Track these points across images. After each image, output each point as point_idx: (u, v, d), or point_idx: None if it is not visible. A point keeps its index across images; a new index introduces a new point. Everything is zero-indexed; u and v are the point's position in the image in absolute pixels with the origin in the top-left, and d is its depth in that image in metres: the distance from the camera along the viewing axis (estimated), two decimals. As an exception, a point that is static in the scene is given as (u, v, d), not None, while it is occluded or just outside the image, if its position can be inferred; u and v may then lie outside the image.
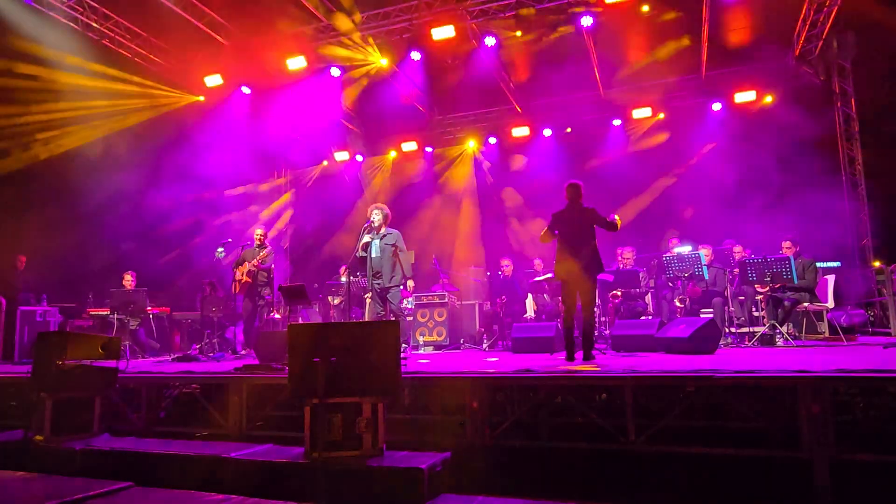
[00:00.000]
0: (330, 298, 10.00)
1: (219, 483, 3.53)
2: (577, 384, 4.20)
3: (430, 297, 9.39)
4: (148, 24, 9.54)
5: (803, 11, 9.25)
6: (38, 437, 4.20)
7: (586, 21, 8.69)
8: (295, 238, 14.09)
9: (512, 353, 7.28)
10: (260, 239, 8.17)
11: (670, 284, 7.95)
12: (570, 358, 5.52)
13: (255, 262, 7.87)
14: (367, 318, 7.43)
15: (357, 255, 6.60)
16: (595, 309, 6.29)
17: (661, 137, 11.51)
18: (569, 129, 12.07)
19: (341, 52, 9.98)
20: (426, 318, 9.27)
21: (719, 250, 8.28)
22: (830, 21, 9.16)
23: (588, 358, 5.51)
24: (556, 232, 5.79)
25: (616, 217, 5.77)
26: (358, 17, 9.20)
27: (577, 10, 8.66)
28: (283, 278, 12.58)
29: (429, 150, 13.17)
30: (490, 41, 9.52)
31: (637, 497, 3.80)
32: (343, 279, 9.99)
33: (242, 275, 7.95)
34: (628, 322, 7.38)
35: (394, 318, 6.41)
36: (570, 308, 5.77)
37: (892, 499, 3.33)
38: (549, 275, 8.16)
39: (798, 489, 3.43)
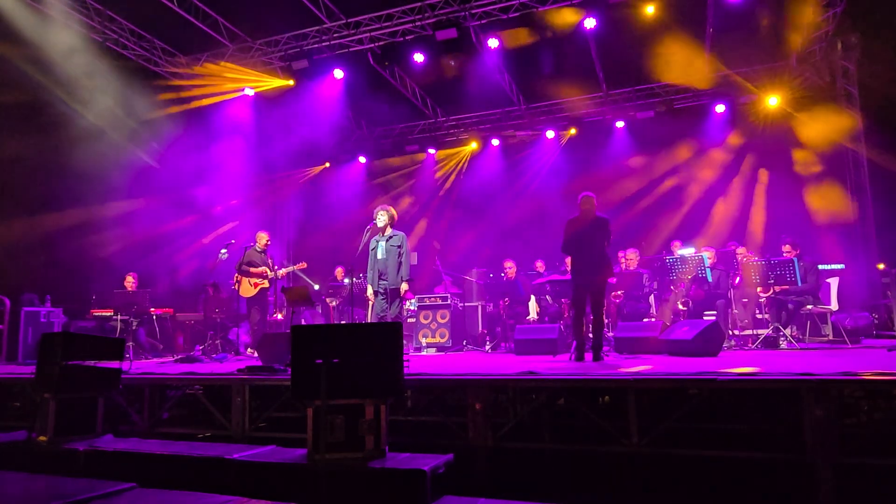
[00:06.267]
0: (328, 300, 10.00)
1: (221, 484, 3.53)
2: (580, 386, 4.19)
3: (432, 299, 9.38)
4: (150, 25, 9.57)
5: (807, 13, 9.22)
6: (42, 438, 4.21)
7: (589, 23, 8.67)
8: (296, 239, 14.08)
9: (515, 354, 7.28)
10: (264, 245, 8.39)
11: (672, 288, 7.94)
12: (581, 358, 5.68)
13: (283, 272, 8.33)
14: (369, 320, 7.44)
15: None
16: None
17: (665, 139, 11.48)
18: (573, 131, 12.07)
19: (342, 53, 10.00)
20: (429, 320, 9.25)
21: (723, 252, 8.26)
22: (835, 23, 9.13)
23: (597, 359, 5.65)
24: (572, 238, 5.98)
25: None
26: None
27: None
28: (284, 279, 12.59)
29: (431, 151, 13.16)
30: (493, 43, 9.51)
31: (639, 500, 3.79)
32: (342, 280, 10.00)
33: (262, 279, 8.22)
34: (631, 324, 7.38)
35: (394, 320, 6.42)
36: (580, 309, 5.94)
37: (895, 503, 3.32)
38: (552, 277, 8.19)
39: (801, 493, 3.41)
